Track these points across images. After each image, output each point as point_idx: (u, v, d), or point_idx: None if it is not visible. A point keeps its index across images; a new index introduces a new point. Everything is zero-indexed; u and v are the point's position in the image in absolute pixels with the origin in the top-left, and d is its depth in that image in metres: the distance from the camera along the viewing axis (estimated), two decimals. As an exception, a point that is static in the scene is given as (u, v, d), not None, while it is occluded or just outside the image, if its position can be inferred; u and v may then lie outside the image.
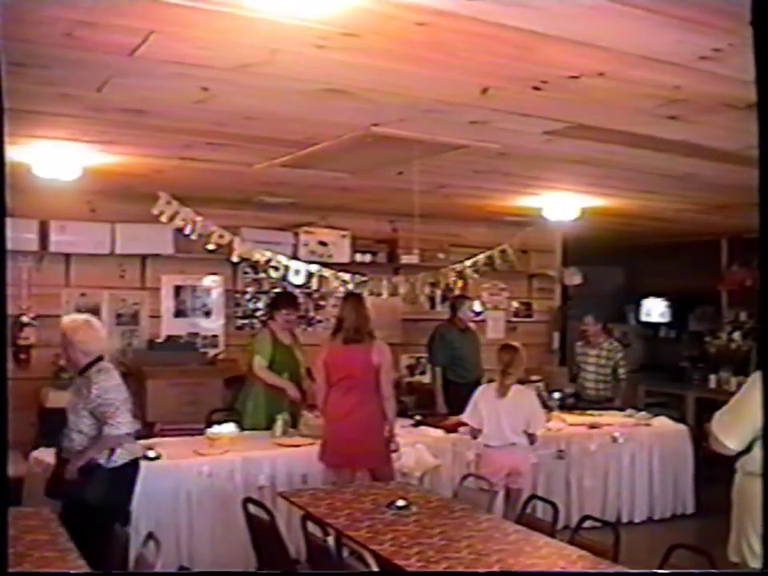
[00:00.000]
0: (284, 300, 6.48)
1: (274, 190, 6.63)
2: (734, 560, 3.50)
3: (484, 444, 5.30)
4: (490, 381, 5.61)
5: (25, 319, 6.58)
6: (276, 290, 7.34)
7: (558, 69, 3.13)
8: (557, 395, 7.30)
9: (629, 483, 6.64)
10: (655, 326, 11.12)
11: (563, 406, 7.22)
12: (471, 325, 7.65)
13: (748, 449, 3.43)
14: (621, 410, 7.36)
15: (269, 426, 5.92)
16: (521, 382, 5.40)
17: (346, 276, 6.61)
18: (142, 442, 5.24)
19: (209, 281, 7.51)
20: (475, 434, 5.37)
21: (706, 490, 6.69)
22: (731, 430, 3.45)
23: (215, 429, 5.49)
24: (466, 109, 3.82)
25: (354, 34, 2.76)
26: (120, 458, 4.21)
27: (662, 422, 7.16)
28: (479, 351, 7.58)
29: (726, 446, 3.45)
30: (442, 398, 7.17)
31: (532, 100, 3.56)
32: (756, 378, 3.50)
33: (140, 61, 3.04)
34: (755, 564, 3.37)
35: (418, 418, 6.56)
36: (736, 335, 9.12)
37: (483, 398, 5.34)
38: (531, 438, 5.29)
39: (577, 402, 7.44)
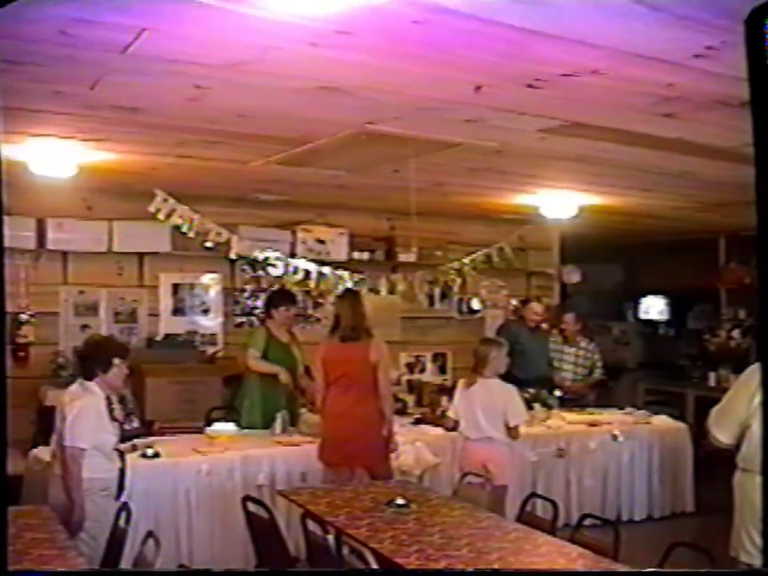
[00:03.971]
0: (281, 297, 6.48)
1: (270, 188, 6.63)
2: (732, 555, 3.54)
3: (465, 437, 5.32)
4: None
5: (23, 317, 6.58)
6: (274, 288, 7.33)
7: (552, 66, 3.12)
8: (557, 393, 7.30)
9: (628, 481, 6.64)
10: (654, 324, 11.13)
11: (562, 405, 7.21)
12: (543, 326, 7.71)
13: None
14: (620, 407, 7.37)
15: (265, 423, 5.92)
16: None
17: (344, 274, 6.61)
18: (142, 440, 5.26)
19: (207, 279, 7.50)
20: (453, 425, 5.42)
21: (706, 488, 6.69)
22: (722, 424, 3.60)
23: (214, 427, 5.50)
24: (461, 106, 3.81)
25: (348, 31, 2.76)
26: None
27: (662, 420, 7.16)
28: (545, 349, 7.62)
29: (717, 439, 3.61)
30: None
31: (526, 98, 3.56)
32: (746, 373, 3.58)
33: (133, 58, 3.03)
34: (745, 559, 3.41)
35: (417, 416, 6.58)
36: (735, 333, 9.12)
37: (460, 391, 5.38)
38: (511, 432, 5.22)
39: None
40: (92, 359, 4.28)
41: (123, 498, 4.19)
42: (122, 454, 4.30)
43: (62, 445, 4.05)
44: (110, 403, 4.30)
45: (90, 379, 4.22)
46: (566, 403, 7.26)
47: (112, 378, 4.27)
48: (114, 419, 4.31)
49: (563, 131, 4.22)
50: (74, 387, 4.25)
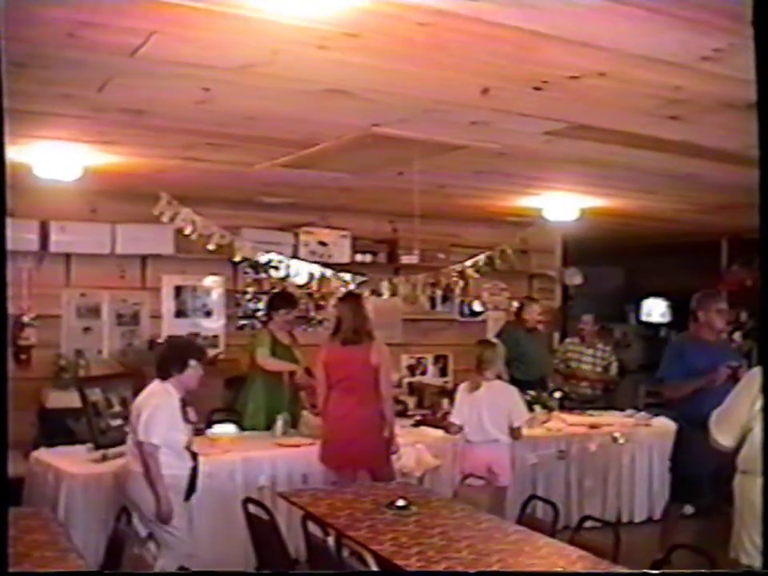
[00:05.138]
0: (282, 300, 6.48)
1: (275, 191, 6.64)
2: (732, 556, 3.53)
3: (465, 440, 5.30)
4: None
5: (25, 319, 6.58)
6: (276, 291, 7.34)
7: (558, 69, 3.13)
8: (557, 395, 7.31)
9: (629, 483, 6.63)
10: (655, 326, 11.12)
11: (562, 407, 7.23)
12: (540, 327, 7.78)
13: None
14: (621, 410, 7.38)
15: (268, 425, 5.92)
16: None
17: (347, 276, 6.61)
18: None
19: (209, 281, 7.50)
20: (456, 430, 5.38)
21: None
22: (723, 427, 3.59)
23: (215, 429, 5.49)
24: (467, 109, 3.83)
25: (354, 34, 2.77)
26: None
27: (662, 422, 7.13)
28: (545, 351, 7.78)
29: (719, 443, 3.60)
30: None
31: (533, 100, 3.57)
32: (747, 375, 3.57)
33: (141, 61, 3.05)
34: (745, 561, 3.40)
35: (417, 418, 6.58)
36: (736, 335, 9.11)
37: (463, 395, 5.36)
38: (515, 432, 5.26)
39: (569, 402, 7.44)
40: (169, 360, 4.43)
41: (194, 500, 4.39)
42: (194, 454, 4.41)
43: (138, 441, 4.18)
44: (183, 404, 4.42)
45: (166, 379, 4.36)
46: (569, 405, 7.31)
47: (187, 379, 4.40)
48: (186, 420, 4.44)
49: (569, 134, 4.23)
50: (152, 386, 4.39)
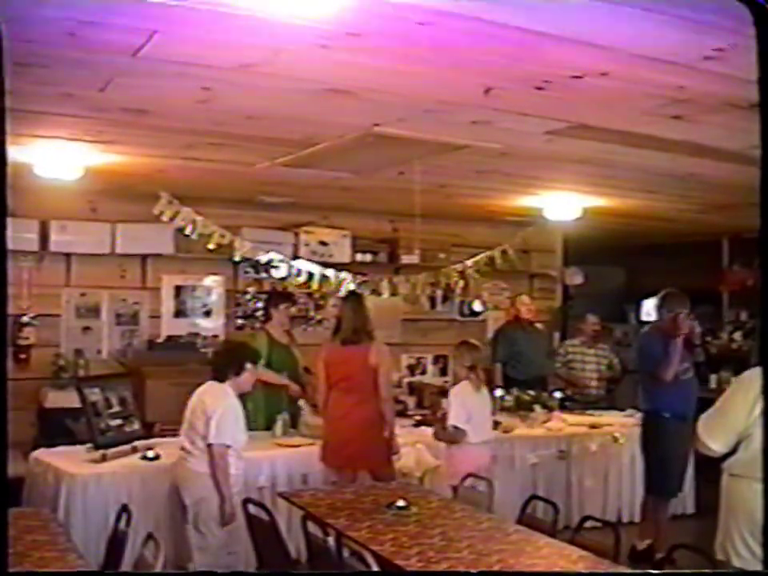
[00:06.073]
0: (280, 296, 6.50)
1: (275, 190, 6.64)
2: (720, 558, 3.46)
3: (466, 441, 5.27)
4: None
5: (25, 319, 6.58)
6: (272, 290, 7.34)
7: (560, 68, 3.13)
8: (557, 395, 7.30)
9: (629, 483, 6.62)
10: (655, 326, 11.10)
11: (564, 408, 7.22)
12: (537, 324, 7.79)
13: (734, 451, 3.39)
14: (621, 410, 7.38)
15: (267, 426, 5.91)
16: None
17: (347, 276, 6.61)
18: (142, 442, 5.25)
19: (209, 281, 7.51)
20: (462, 436, 5.28)
21: (706, 490, 6.68)
22: (715, 432, 3.39)
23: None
24: (468, 109, 3.83)
25: (356, 34, 2.77)
26: None
27: (663, 423, 7.14)
28: (543, 349, 7.74)
29: (709, 448, 3.39)
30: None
31: (534, 100, 3.57)
32: (741, 379, 3.44)
33: (143, 61, 3.05)
34: (738, 564, 3.34)
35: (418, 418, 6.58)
36: (737, 335, 9.12)
37: (468, 397, 5.32)
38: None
39: (572, 404, 7.42)
40: (226, 362, 4.55)
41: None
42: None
43: (209, 444, 4.27)
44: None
45: (222, 381, 4.46)
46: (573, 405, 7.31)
47: (243, 382, 4.53)
48: None
49: (570, 133, 4.23)
50: (209, 387, 4.49)
